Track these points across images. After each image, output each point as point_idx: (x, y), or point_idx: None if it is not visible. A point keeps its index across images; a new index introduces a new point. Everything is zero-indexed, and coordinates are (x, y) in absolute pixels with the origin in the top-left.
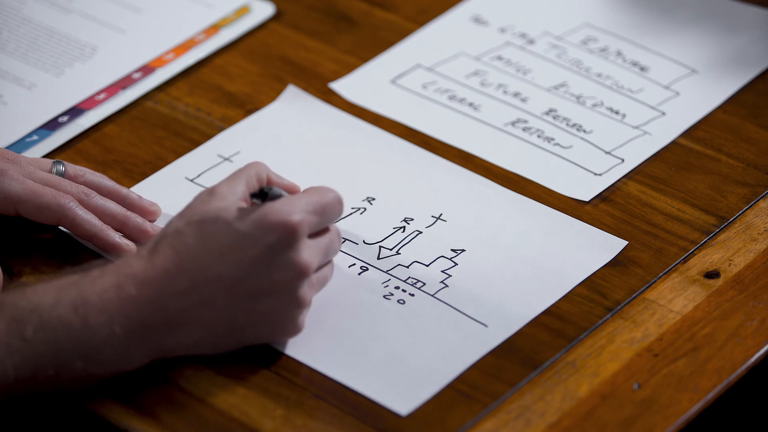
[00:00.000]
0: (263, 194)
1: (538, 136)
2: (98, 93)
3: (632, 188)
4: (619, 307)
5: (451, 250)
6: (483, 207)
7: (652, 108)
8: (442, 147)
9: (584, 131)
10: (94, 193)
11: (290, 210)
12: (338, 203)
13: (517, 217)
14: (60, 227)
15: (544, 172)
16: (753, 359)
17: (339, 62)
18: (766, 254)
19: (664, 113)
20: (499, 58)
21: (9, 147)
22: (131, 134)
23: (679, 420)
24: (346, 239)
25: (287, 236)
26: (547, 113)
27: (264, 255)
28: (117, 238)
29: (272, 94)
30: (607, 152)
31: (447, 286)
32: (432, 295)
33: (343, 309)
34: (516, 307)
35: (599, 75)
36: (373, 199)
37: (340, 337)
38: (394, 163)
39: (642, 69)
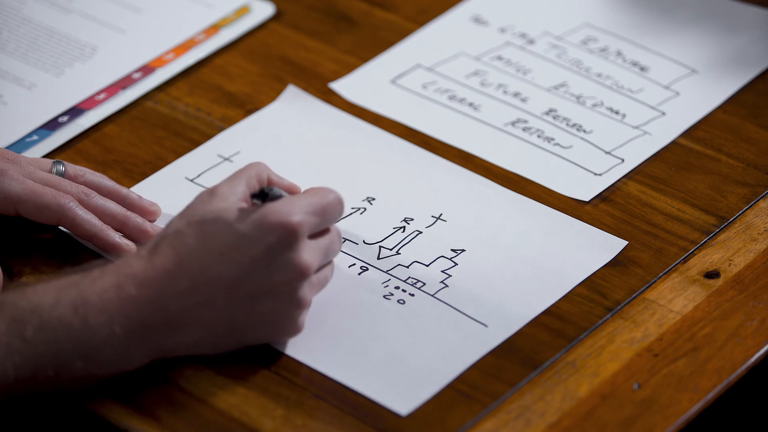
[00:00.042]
0: (264, 195)
1: (538, 136)
2: (98, 93)
3: (632, 188)
4: (619, 307)
5: (451, 250)
6: (483, 207)
7: (652, 108)
8: (442, 147)
9: (584, 131)
10: (94, 193)
11: (290, 211)
12: (339, 204)
13: (517, 217)
14: (60, 227)
15: (544, 172)
16: (753, 359)
17: (339, 62)
18: (766, 254)
19: (664, 113)
20: (499, 58)
21: (9, 147)
22: (131, 134)
23: (679, 420)
24: (346, 239)
25: (287, 237)
26: (547, 113)
27: (264, 256)
28: (117, 238)
29: (272, 94)
30: (607, 152)
31: (447, 286)
32: (432, 295)
33: (343, 309)
34: (516, 307)
35: (599, 75)
36: (373, 199)
37: (340, 337)
38: (394, 163)
39: (642, 69)
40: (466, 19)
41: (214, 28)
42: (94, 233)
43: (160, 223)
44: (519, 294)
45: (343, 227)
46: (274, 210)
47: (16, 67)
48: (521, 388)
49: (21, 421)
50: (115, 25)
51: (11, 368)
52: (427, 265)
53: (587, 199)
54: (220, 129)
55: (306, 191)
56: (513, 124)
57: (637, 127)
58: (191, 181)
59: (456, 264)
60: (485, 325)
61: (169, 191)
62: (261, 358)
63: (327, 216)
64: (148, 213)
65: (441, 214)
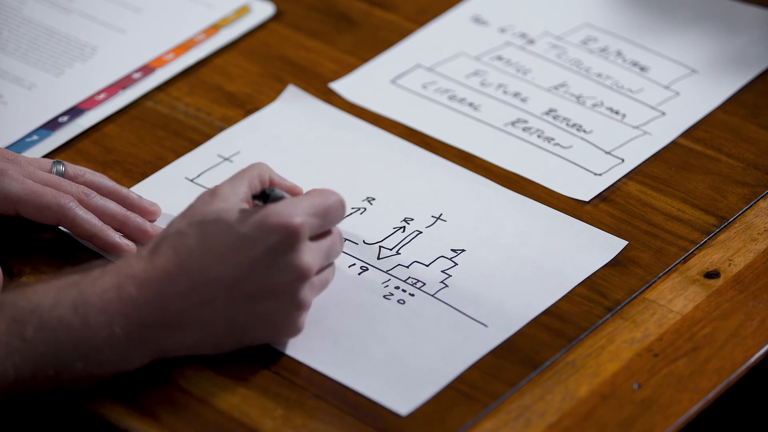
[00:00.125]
0: (265, 195)
1: (538, 136)
2: (98, 93)
3: (632, 188)
4: (619, 307)
5: (451, 250)
6: (483, 207)
7: (652, 108)
8: (442, 147)
9: (584, 131)
10: (94, 193)
11: (292, 212)
12: (340, 206)
13: (517, 217)
14: (60, 227)
15: (544, 172)
16: (753, 359)
17: (339, 62)
18: (766, 254)
19: (664, 113)
20: (499, 58)
21: (9, 147)
22: (131, 134)
23: (679, 420)
24: (346, 239)
25: (288, 238)
26: (547, 113)
27: (264, 257)
28: (117, 238)
29: (272, 94)
30: (607, 152)
31: (447, 286)
32: (432, 295)
33: (343, 309)
34: (516, 307)
35: (599, 75)
36: (373, 199)
37: (340, 337)
38: (394, 163)
39: (642, 69)
40: (466, 19)
41: (214, 28)
42: (94, 233)
43: (161, 223)
44: (519, 294)
45: (343, 227)
46: (276, 211)
47: (16, 67)
48: (521, 388)
49: (21, 421)
50: (115, 25)
51: (11, 368)
52: (427, 265)
53: (587, 199)
54: (220, 129)
55: (308, 193)
56: (513, 124)
57: (637, 127)
58: (191, 181)
59: (456, 264)
60: (485, 325)
61: (169, 191)
62: (261, 358)
63: (329, 218)
64: (148, 213)
65: (441, 214)
